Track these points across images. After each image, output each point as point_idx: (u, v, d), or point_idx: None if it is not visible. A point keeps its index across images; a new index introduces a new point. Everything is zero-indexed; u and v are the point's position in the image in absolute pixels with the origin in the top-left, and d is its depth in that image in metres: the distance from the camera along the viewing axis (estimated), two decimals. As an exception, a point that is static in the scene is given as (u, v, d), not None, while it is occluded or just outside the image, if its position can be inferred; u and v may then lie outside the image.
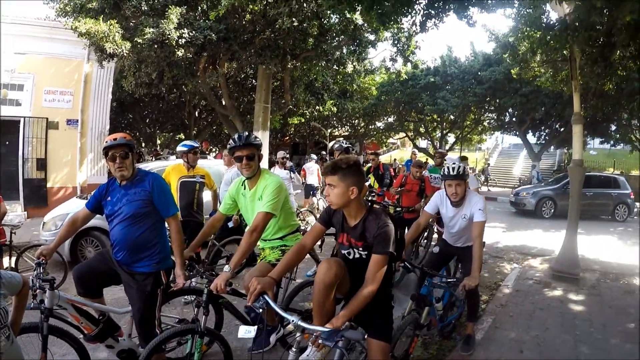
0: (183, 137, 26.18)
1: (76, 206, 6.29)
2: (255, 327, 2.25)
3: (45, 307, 2.71)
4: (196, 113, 22.41)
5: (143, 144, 27.28)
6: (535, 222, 9.90)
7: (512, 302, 5.42)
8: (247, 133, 3.37)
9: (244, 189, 3.44)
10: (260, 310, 2.31)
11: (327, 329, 2.08)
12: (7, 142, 10.56)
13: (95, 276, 3.13)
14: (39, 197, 10.66)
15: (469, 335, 4.03)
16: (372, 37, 12.78)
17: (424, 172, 7.13)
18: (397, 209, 6.28)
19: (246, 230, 3.26)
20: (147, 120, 25.02)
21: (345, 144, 6.21)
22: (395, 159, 34.07)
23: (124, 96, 15.88)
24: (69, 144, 11.16)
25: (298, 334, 2.20)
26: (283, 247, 3.45)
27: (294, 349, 2.22)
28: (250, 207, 3.40)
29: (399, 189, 6.64)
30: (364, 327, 2.52)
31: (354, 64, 14.53)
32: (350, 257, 2.55)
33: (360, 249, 2.48)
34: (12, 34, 10.06)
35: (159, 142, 28.50)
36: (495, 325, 4.63)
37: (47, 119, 10.79)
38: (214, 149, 29.98)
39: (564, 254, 6.70)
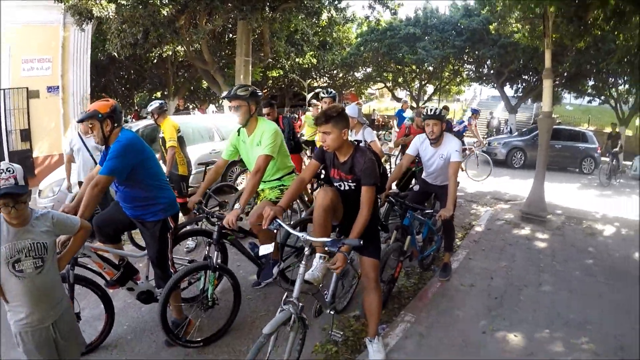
0: (159, 95, 25.85)
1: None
2: (273, 244, 2.70)
3: None
4: (173, 70, 22.02)
5: (120, 106, 26.77)
6: (507, 171, 10.57)
7: (485, 238, 6.02)
8: (236, 87, 3.70)
9: (243, 135, 3.78)
10: (275, 230, 2.73)
11: (330, 239, 2.59)
12: None
13: (114, 224, 3.45)
14: (25, 168, 10.25)
15: (445, 264, 4.59)
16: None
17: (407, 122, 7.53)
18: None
19: (251, 172, 3.65)
20: (123, 81, 24.48)
21: (332, 93, 6.31)
22: (374, 109, 34.33)
23: (98, 58, 15.57)
24: (52, 112, 11.03)
25: (307, 249, 2.64)
26: (281, 187, 3.87)
27: (303, 263, 2.66)
28: (250, 151, 3.75)
29: (406, 138, 6.50)
30: (357, 250, 2.99)
31: (332, 12, 14.49)
32: (342, 188, 3.01)
33: (350, 181, 2.94)
34: None
35: (136, 102, 28.04)
36: (469, 257, 5.23)
37: (27, 88, 10.58)
38: (191, 106, 29.69)
39: (532, 198, 7.28)
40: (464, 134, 10.62)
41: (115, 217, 3.43)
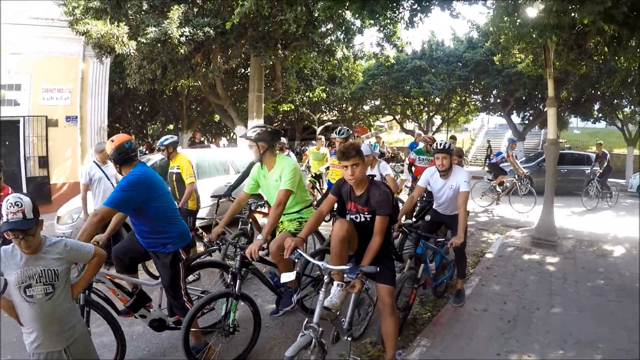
0: (172, 128, 26.41)
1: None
2: (295, 272, 2.91)
3: None
4: (187, 104, 22.58)
5: (134, 137, 27.40)
6: (512, 198, 10.67)
7: (496, 265, 6.12)
8: (251, 129, 4.05)
9: (264, 171, 4.09)
10: (296, 260, 2.93)
11: (348, 267, 2.81)
12: (7, 142, 10.71)
13: (130, 254, 3.65)
14: (42, 194, 10.77)
15: (459, 290, 4.72)
16: (358, 24, 13.22)
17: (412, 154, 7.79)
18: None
19: (272, 205, 3.90)
20: (137, 113, 25.12)
21: (345, 132, 6.24)
22: (383, 142, 34.60)
23: (114, 90, 16.11)
24: (70, 140, 11.37)
25: (326, 277, 2.83)
26: (299, 219, 4.12)
27: (322, 290, 2.83)
28: (270, 186, 4.04)
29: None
30: (373, 277, 3.16)
31: (343, 51, 14.95)
32: (357, 220, 3.23)
33: (366, 213, 3.16)
34: (7, 34, 10.12)
35: (149, 133, 28.61)
36: (481, 283, 5.34)
37: (46, 117, 10.96)
38: (204, 139, 30.27)
39: (542, 223, 7.40)
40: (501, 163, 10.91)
41: (131, 248, 3.62)
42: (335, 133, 6.20)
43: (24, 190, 10.49)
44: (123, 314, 3.54)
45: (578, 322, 4.26)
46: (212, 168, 8.34)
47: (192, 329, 3.46)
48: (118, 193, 3.08)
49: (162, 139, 5.84)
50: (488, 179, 11.62)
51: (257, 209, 6.13)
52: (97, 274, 3.02)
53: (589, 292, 5.11)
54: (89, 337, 2.66)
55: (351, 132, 6.54)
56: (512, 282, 5.43)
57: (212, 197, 6.72)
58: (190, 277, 5.25)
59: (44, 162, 11.03)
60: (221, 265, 4.28)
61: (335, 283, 2.93)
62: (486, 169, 16.19)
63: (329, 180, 7.80)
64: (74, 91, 11.41)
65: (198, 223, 6.46)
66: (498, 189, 10.89)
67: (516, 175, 10.75)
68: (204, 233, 5.91)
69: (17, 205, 2.20)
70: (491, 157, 11.19)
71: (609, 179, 13.12)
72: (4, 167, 5.22)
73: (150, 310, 3.64)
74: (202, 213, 6.67)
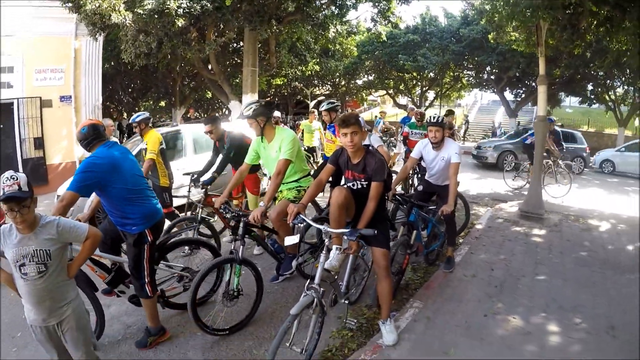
0: (164, 104, 26.25)
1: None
2: (298, 235, 3.10)
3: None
4: (180, 80, 22.36)
5: (125, 115, 27.14)
6: (499, 173, 10.84)
7: (485, 235, 6.40)
8: (244, 108, 4.23)
9: (264, 143, 4.27)
10: (301, 224, 3.13)
11: (348, 230, 3.01)
12: (2, 125, 10.61)
13: (111, 235, 3.68)
14: (39, 175, 10.68)
15: (449, 257, 4.99)
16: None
17: (406, 128, 7.97)
18: None
19: (272, 174, 4.09)
20: (129, 90, 24.87)
21: (331, 104, 6.33)
22: (376, 116, 34.73)
23: (105, 68, 15.94)
24: (64, 120, 11.26)
25: (327, 240, 3.04)
26: (298, 187, 4.31)
27: (323, 253, 3.05)
28: (270, 157, 4.23)
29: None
30: (369, 242, 3.39)
31: (337, 27, 14.90)
32: (354, 187, 3.42)
33: (362, 180, 3.35)
34: None
35: (142, 111, 28.32)
36: (471, 251, 5.62)
37: (40, 97, 10.81)
38: (197, 115, 30.09)
39: (531, 197, 7.66)
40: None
41: (111, 228, 3.62)
42: (324, 104, 6.29)
43: (20, 172, 10.40)
44: (105, 294, 3.70)
45: (561, 290, 4.53)
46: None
47: (151, 313, 3.57)
48: (76, 176, 3.10)
49: (134, 116, 5.80)
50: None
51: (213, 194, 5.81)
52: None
53: (573, 263, 5.39)
54: (84, 314, 2.67)
55: (337, 104, 6.62)
56: (499, 251, 5.70)
57: (184, 174, 6.20)
58: (181, 253, 5.36)
59: (39, 143, 10.94)
60: (195, 242, 4.46)
61: (334, 247, 3.12)
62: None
63: (324, 154, 7.96)
64: (67, 71, 11.26)
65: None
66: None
67: (551, 158, 9.96)
68: (177, 212, 6.09)
69: (13, 179, 2.29)
70: (525, 137, 10.65)
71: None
72: None
73: (130, 285, 3.73)
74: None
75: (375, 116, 14.32)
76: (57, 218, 2.50)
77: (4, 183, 2.26)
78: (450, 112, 10.31)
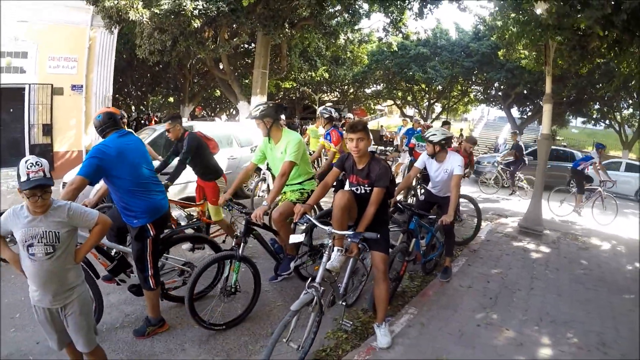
0: (172, 100, 26.40)
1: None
2: (303, 234, 3.20)
3: None
4: (190, 77, 22.52)
5: (133, 108, 27.34)
6: (497, 189, 10.93)
7: (483, 248, 6.47)
8: (254, 109, 4.28)
9: (270, 144, 4.36)
10: (305, 224, 3.21)
11: (351, 232, 3.11)
12: (12, 110, 10.76)
13: (117, 223, 3.66)
14: None
15: (446, 267, 5.08)
16: (366, 7, 13.33)
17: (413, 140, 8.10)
18: None
19: (277, 175, 4.18)
20: (139, 84, 25.14)
21: (330, 112, 6.51)
22: (382, 126, 34.86)
23: (117, 60, 16.12)
24: (74, 109, 11.41)
25: (330, 241, 3.14)
26: (301, 190, 4.38)
27: (326, 253, 3.15)
28: (276, 158, 4.31)
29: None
30: (369, 245, 3.48)
31: (348, 34, 15.06)
32: (358, 192, 3.52)
33: (366, 185, 3.45)
34: (15, 1, 10.05)
35: (149, 105, 28.53)
36: (468, 263, 5.70)
37: (52, 85, 10.97)
38: (204, 114, 30.23)
39: (530, 213, 7.73)
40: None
41: (117, 216, 3.61)
42: (323, 111, 6.47)
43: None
44: (106, 280, 3.75)
45: (555, 305, 4.59)
46: (217, 141, 8.52)
47: (153, 304, 3.62)
48: (85, 161, 3.15)
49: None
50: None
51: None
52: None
53: (568, 279, 5.45)
54: (88, 300, 2.70)
55: (336, 114, 6.69)
56: (497, 264, 5.78)
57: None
58: (185, 246, 5.11)
59: (47, 129, 11.09)
60: (196, 239, 4.45)
61: (335, 249, 3.21)
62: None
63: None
64: (81, 60, 11.42)
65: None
66: (582, 198, 9.83)
67: (600, 184, 9.65)
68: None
69: (38, 164, 2.32)
70: (577, 162, 10.07)
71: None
72: None
73: (131, 275, 3.81)
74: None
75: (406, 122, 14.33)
76: (69, 203, 2.53)
77: (28, 169, 2.30)
78: (446, 123, 10.41)
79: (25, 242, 2.37)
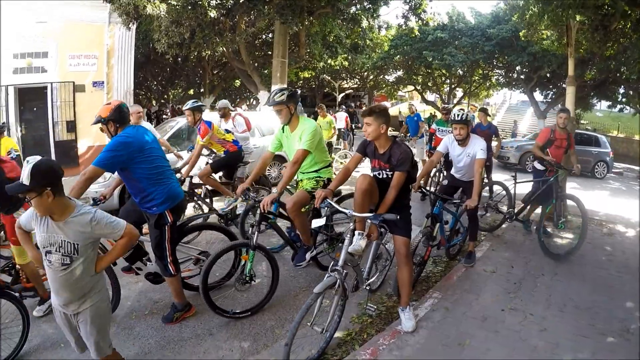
0: (192, 93, 26.65)
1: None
2: (324, 218, 3.25)
3: None
4: (209, 69, 22.66)
5: (154, 102, 27.71)
6: (521, 175, 10.66)
7: (507, 234, 6.46)
8: (273, 93, 4.23)
9: (286, 132, 4.34)
10: (326, 208, 3.26)
11: (372, 214, 3.16)
12: (35, 109, 11.05)
13: (134, 215, 3.69)
14: (70, 158, 11.13)
15: (470, 252, 5.09)
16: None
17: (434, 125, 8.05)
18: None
19: (289, 162, 4.21)
20: (159, 78, 25.37)
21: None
22: (400, 111, 34.55)
23: (136, 56, 16.33)
24: (96, 105, 11.03)
25: (351, 224, 3.19)
26: (317, 178, 4.36)
27: (347, 237, 3.20)
28: (292, 146, 4.30)
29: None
30: (390, 229, 3.53)
31: (369, 20, 14.94)
32: (380, 177, 3.57)
33: (387, 170, 3.49)
34: (33, 2, 10.26)
35: (171, 98, 28.86)
36: (492, 248, 5.70)
37: (73, 82, 11.19)
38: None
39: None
40: None
41: (131, 209, 3.76)
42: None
43: (52, 154, 10.94)
44: (124, 271, 3.87)
45: (579, 290, 4.55)
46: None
47: (176, 289, 3.72)
48: (104, 153, 3.19)
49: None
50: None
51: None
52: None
53: (592, 265, 5.40)
54: (102, 312, 2.54)
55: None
56: (520, 249, 5.75)
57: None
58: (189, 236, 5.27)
59: (71, 126, 11.35)
60: (212, 227, 4.47)
61: (356, 232, 3.25)
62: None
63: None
64: (101, 57, 11.61)
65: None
66: None
67: None
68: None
69: (24, 169, 2.17)
70: None
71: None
72: None
73: (148, 263, 3.89)
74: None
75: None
76: (93, 210, 2.37)
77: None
78: (484, 110, 10.26)
79: (44, 248, 2.31)
